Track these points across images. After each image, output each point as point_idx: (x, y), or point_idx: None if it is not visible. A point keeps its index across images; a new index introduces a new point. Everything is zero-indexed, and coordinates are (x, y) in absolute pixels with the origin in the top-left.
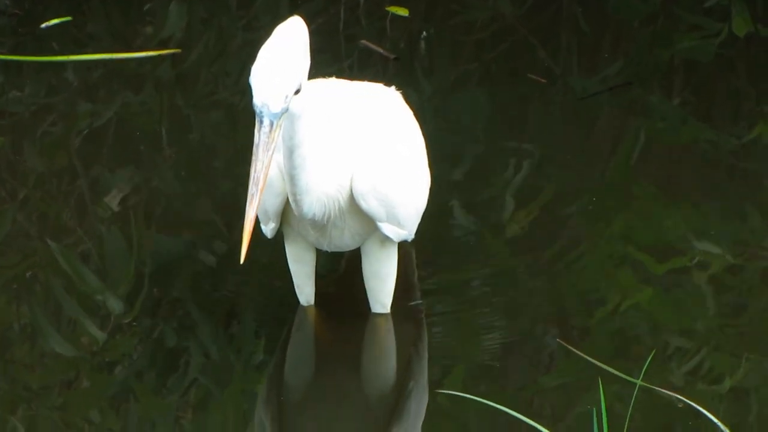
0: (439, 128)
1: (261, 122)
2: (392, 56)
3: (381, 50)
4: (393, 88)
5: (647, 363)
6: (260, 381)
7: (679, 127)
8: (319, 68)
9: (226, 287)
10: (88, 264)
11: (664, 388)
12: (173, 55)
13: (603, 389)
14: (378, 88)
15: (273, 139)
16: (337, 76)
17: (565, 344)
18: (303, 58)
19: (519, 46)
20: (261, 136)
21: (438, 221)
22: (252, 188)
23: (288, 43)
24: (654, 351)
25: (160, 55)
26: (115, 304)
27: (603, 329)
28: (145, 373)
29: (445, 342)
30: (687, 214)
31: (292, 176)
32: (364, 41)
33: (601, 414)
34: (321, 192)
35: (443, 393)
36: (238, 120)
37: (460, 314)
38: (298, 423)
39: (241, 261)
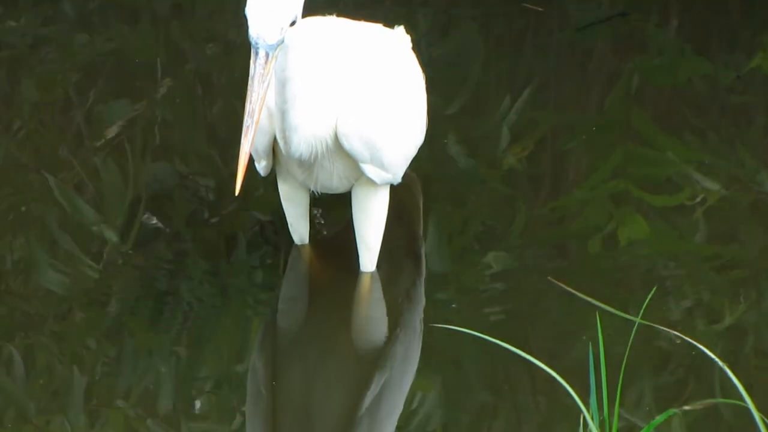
0: (434, 61)
1: (257, 54)
2: None
3: None
4: (402, 28)
5: (647, 301)
6: (254, 316)
7: (676, 59)
8: None
9: (222, 219)
10: (84, 196)
11: (662, 325)
12: None
13: (600, 325)
14: (382, 29)
15: (268, 71)
16: (333, 7)
17: (560, 284)
18: None
19: None
20: (257, 67)
21: (433, 155)
22: (247, 120)
23: None
24: (655, 288)
25: None
26: (110, 236)
27: (601, 264)
28: (141, 306)
29: (441, 277)
30: (684, 148)
31: (282, 111)
32: None
33: (598, 350)
34: (309, 131)
35: (438, 327)
36: (235, 52)
37: (456, 249)
38: (291, 365)
39: (236, 193)
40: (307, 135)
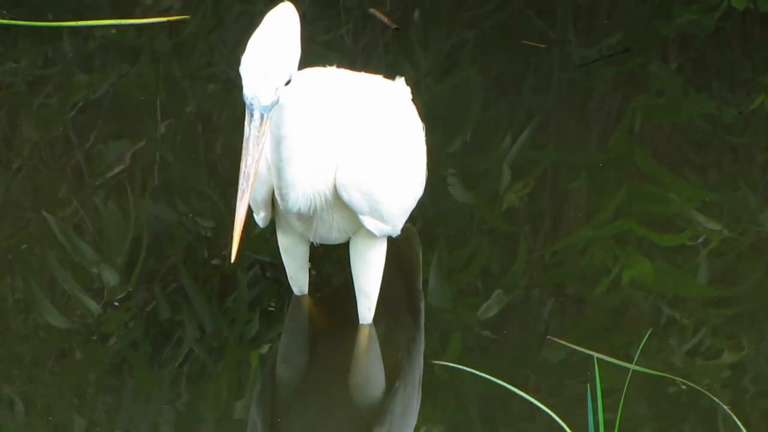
0: (434, 100)
1: (251, 115)
2: (393, 26)
3: (386, 20)
4: (402, 80)
5: (641, 347)
6: (254, 359)
7: (678, 97)
8: (315, 36)
9: (222, 259)
10: (84, 236)
11: (662, 365)
12: (170, 26)
13: (601, 368)
14: (381, 81)
15: (263, 132)
16: (332, 44)
17: (555, 339)
18: (294, 48)
19: (516, 18)
20: (251, 129)
21: (434, 193)
22: (242, 184)
23: (278, 32)
24: (649, 333)
25: (157, 26)
26: (110, 276)
27: (601, 303)
28: (140, 345)
29: (442, 313)
30: (687, 187)
31: (278, 169)
32: (372, 10)
33: (596, 393)
34: (307, 185)
35: (439, 364)
36: (235, 91)
37: (457, 286)
38: (289, 421)
39: (232, 260)
40: (305, 190)
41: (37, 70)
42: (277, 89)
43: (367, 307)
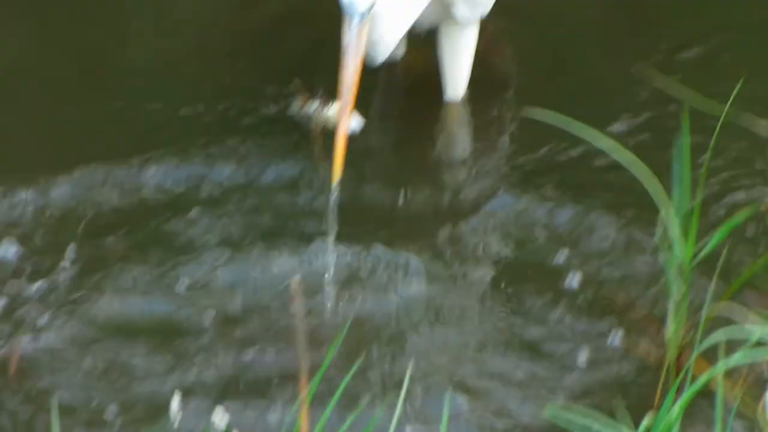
0: None
1: (350, 23)
2: None
3: None
4: None
5: (733, 95)
6: None
7: None
8: None
9: None
10: None
11: (753, 114)
12: None
13: (688, 117)
14: None
15: (363, 39)
16: None
17: (648, 71)
18: None
19: None
20: (350, 36)
21: None
22: (344, 96)
23: None
24: (742, 80)
25: None
26: None
27: (692, 51)
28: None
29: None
30: None
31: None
32: None
33: (682, 144)
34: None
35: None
36: None
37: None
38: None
39: (334, 183)
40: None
41: None
42: None
43: (454, 88)
